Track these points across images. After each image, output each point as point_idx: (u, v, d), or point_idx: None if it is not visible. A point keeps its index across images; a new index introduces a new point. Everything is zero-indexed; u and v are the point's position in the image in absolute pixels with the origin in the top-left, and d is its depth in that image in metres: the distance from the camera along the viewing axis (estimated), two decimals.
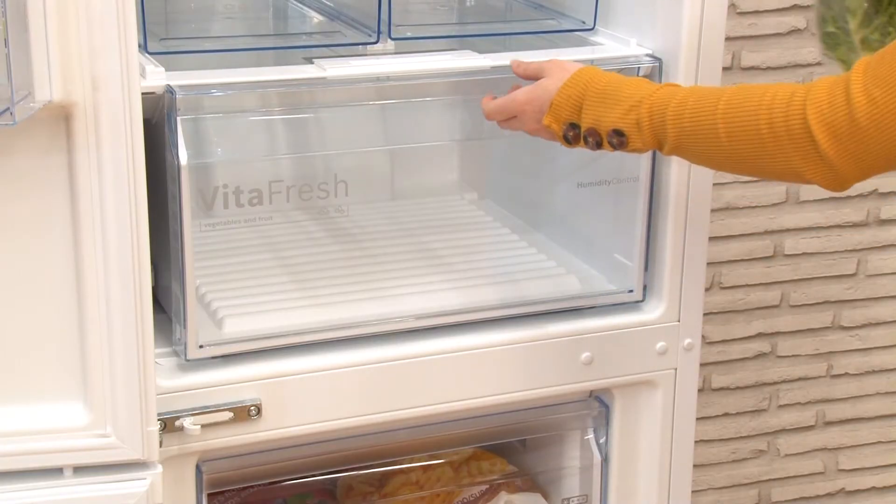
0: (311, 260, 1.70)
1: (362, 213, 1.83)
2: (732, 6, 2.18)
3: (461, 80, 1.56)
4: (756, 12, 2.22)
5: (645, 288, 1.64)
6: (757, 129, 1.22)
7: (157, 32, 1.53)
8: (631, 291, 1.64)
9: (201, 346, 1.46)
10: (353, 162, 1.76)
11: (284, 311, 1.55)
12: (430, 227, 1.84)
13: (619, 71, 1.56)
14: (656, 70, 1.56)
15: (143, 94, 1.28)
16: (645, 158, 1.58)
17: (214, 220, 1.61)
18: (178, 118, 1.38)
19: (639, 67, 1.56)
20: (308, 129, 1.65)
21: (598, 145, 1.37)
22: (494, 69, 1.53)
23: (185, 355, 1.45)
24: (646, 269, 1.64)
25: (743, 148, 1.25)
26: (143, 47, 1.42)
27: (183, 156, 1.38)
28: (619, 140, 1.35)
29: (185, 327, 1.44)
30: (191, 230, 1.41)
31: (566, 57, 1.58)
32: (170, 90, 1.37)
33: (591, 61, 1.59)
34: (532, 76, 1.46)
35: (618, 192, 1.64)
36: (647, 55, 1.57)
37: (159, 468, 1.38)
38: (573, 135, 1.39)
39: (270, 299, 1.58)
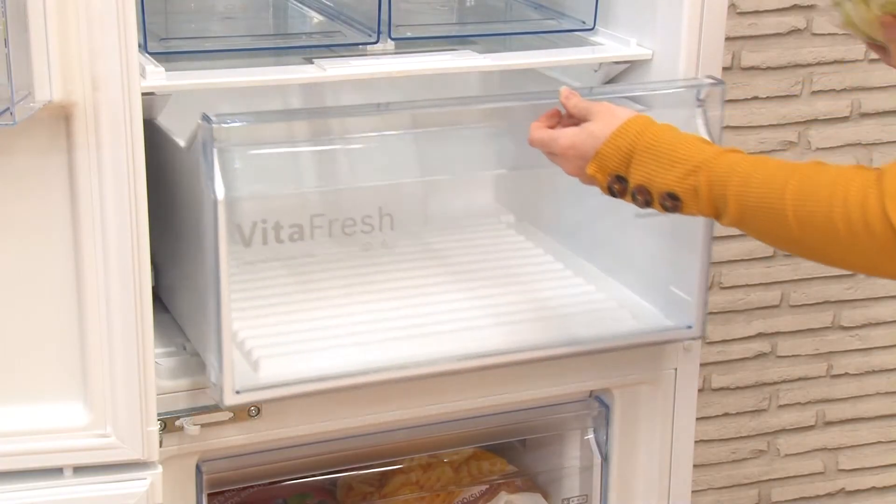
0: (346, 293, 1.61)
1: (397, 240, 1.73)
2: (732, 6, 2.18)
3: (506, 106, 1.49)
4: (756, 12, 2.22)
5: (705, 323, 1.54)
6: (832, 224, 1.16)
7: (157, 32, 1.53)
8: (690, 327, 1.55)
9: (238, 392, 1.37)
10: (389, 192, 1.67)
11: (321, 351, 1.47)
12: (470, 256, 1.75)
13: (679, 92, 1.50)
14: (718, 94, 1.47)
15: (143, 94, 1.28)
16: None
17: (251, 255, 1.53)
18: (215, 149, 1.29)
19: (699, 89, 1.48)
20: (347, 159, 1.58)
21: (648, 204, 1.31)
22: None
23: (222, 401, 1.37)
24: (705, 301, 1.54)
25: (815, 239, 1.18)
26: (143, 47, 1.42)
27: (220, 190, 1.29)
28: (672, 203, 1.29)
29: (220, 371, 1.35)
30: (227, 268, 1.32)
31: (567, 57, 1.58)
32: (206, 119, 1.30)
33: (592, 62, 1.59)
34: (579, 117, 1.38)
35: (673, 219, 1.49)
36: (709, 77, 1.49)
37: (159, 468, 1.38)
38: (619, 188, 1.32)
39: (305, 338, 1.50)
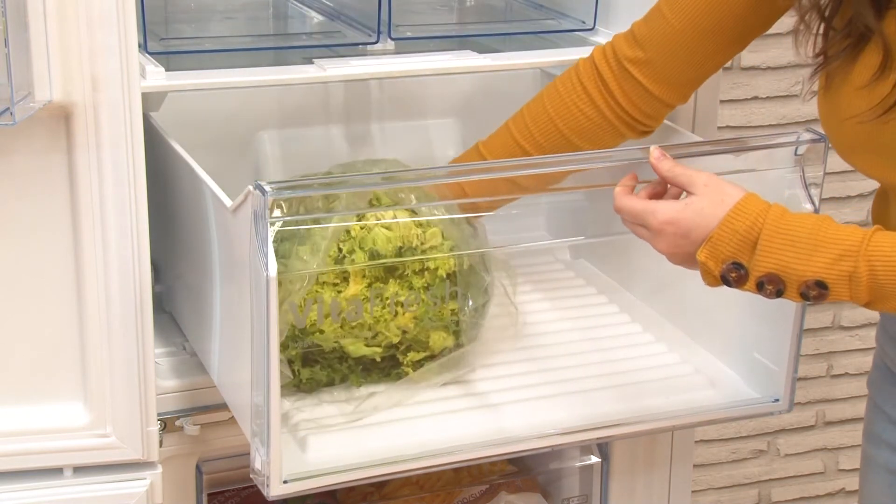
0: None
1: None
2: None
3: (587, 168, 1.33)
4: None
5: (792, 393, 1.39)
6: None
7: (157, 32, 1.53)
8: (776, 401, 1.40)
9: (286, 482, 1.24)
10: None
11: (375, 425, 1.34)
12: (530, 307, 1.59)
13: (773, 148, 1.33)
14: (820, 151, 1.31)
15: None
16: None
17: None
18: (269, 222, 1.15)
19: (797, 145, 1.32)
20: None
21: (780, 294, 1.17)
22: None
23: (268, 491, 1.24)
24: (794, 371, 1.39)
25: None
26: (143, 47, 1.42)
27: (272, 267, 1.15)
28: (818, 293, 1.15)
29: (268, 457, 1.22)
30: (277, 349, 1.18)
31: (567, 57, 1.57)
32: (259, 188, 1.15)
33: None
34: (676, 185, 1.24)
35: None
36: (809, 130, 1.32)
37: (159, 468, 1.38)
38: (736, 276, 1.18)
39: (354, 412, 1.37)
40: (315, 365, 1.37)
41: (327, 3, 1.69)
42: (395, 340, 1.36)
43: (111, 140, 1.26)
